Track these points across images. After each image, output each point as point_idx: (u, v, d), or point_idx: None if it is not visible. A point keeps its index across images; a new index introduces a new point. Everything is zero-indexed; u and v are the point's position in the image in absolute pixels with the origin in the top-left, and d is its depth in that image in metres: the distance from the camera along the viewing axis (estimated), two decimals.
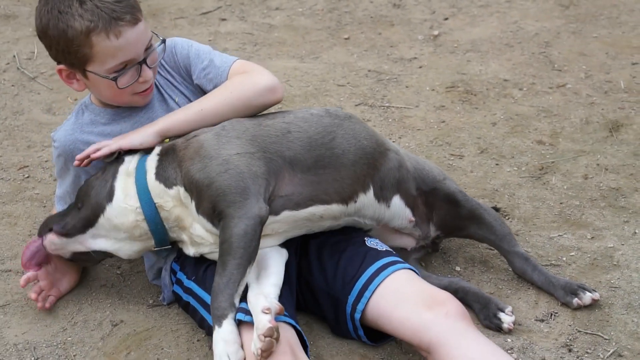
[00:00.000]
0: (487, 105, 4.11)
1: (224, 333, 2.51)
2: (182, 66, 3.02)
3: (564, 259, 3.21)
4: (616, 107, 4.05)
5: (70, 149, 2.89)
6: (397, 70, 4.40)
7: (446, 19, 4.91)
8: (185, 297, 2.85)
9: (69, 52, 2.75)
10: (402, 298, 2.66)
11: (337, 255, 2.83)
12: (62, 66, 2.85)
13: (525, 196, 3.52)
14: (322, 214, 2.77)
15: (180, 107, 2.94)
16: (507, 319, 2.93)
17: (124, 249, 2.79)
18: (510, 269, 3.16)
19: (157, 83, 3.02)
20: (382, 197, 2.88)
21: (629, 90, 4.18)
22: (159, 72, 3.01)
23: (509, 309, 2.95)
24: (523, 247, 3.24)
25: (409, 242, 3.06)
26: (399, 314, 2.67)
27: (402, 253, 3.04)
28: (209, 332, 2.75)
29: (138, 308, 3.04)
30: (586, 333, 2.90)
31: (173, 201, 2.69)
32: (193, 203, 2.66)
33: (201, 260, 2.82)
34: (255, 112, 2.86)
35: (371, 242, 2.89)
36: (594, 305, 2.99)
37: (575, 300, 2.98)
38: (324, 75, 4.29)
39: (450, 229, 3.12)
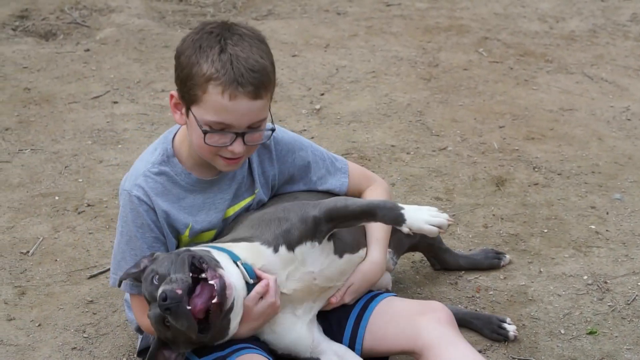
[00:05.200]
0: (382, 168, 4.48)
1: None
2: (297, 171, 3.15)
3: (485, 297, 3.59)
4: (496, 165, 4.51)
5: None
6: None
7: (322, 94, 5.29)
8: None
9: (185, 84, 2.75)
10: (394, 315, 2.92)
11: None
12: (175, 93, 2.83)
13: None
14: None
15: (258, 197, 3.04)
16: (511, 328, 3.35)
17: None
18: None
19: (254, 169, 3.06)
20: None
21: (503, 150, 4.66)
22: (262, 162, 3.08)
23: (508, 319, 3.36)
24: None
25: (387, 279, 3.35)
26: (394, 327, 2.92)
27: None
28: None
29: None
30: (520, 359, 3.27)
31: None
32: None
33: None
34: None
35: None
36: (522, 335, 3.37)
37: (501, 262, 3.76)
38: None
39: (404, 246, 3.48)
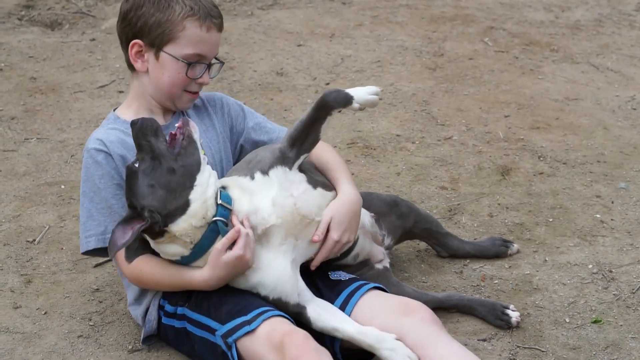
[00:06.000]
0: (387, 157, 4.48)
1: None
2: (234, 120, 3.34)
3: (490, 285, 3.59)
4: (502, 154, 4.51)
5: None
6: None
7: (327, 83, 5.29)
8: (179, 324, 3.01)
9: (157, 28, 3.01)
10: (378, 310, 2.95)
11: None
12: (138, 41, 3.06)
13: None
14: None
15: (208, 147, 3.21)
16: (514, 314, 3.36)
17: None
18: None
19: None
20: None
21: (508, 140, 4.66)
22: (202, 119, 3.26)
23: (512, 306, 3.38)
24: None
25: (379, 253, 3.36)
26: (378, 323, 2.93)
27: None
28: (208, 350, 2.93)
29: (119, 354, 3.21)
30: (524, 348, 3.27)
31: None
32: None
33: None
34: None
35: (334, 275, 3.16)
36: (526, 323, 3.37)
37: (508, 251, 3.74)
38: None
39: (397, 230, 3.50)
